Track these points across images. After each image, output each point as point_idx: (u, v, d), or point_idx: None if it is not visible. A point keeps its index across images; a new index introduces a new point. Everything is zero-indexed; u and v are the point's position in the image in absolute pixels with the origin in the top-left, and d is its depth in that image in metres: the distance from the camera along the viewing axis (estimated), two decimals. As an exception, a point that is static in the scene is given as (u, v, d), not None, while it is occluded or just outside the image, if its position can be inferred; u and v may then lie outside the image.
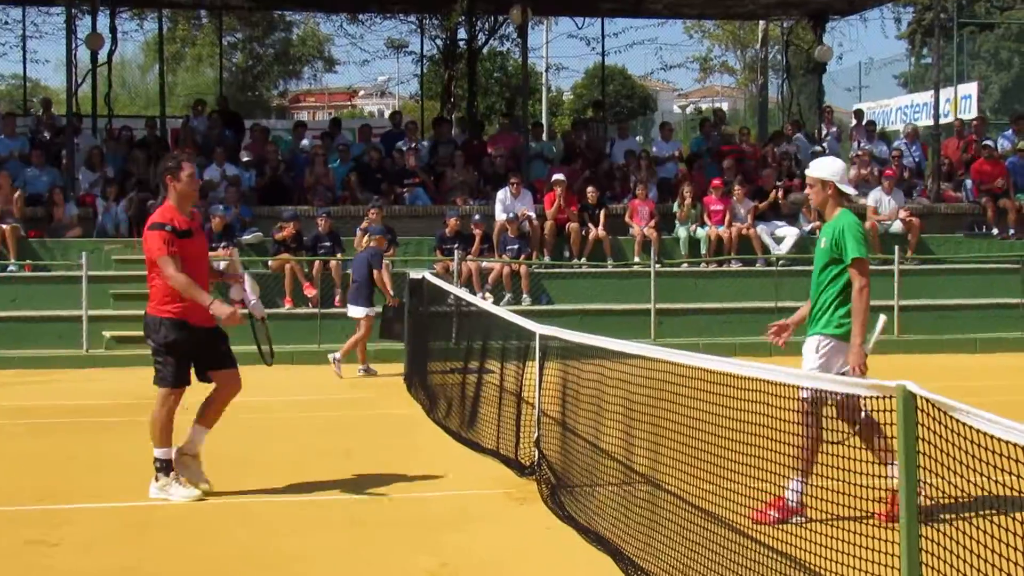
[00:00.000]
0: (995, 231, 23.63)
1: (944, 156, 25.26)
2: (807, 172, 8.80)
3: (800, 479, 7.61)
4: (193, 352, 8.95)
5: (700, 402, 6.83)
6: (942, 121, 25.98)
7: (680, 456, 7.00)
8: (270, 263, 20.28)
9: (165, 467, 8.97)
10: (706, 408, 6.75)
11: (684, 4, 28.95)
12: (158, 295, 8.87)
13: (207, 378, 9.17)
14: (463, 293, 14.00)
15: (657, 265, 20.67)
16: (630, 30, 34.00)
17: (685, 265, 21.92)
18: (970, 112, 32.89)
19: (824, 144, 26.23)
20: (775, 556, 6.32)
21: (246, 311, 9.54)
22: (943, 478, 4.77)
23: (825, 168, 8.65)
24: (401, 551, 7.53)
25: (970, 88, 35.65)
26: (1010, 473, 4.33)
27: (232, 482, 9.76)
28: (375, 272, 17.04)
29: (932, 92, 26.43)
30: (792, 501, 7.67)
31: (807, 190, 8.89)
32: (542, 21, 37.39)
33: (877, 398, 5.07)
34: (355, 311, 17.20)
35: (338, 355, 17.11)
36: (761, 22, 33.37)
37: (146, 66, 62.20)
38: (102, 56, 26.61)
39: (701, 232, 21.97)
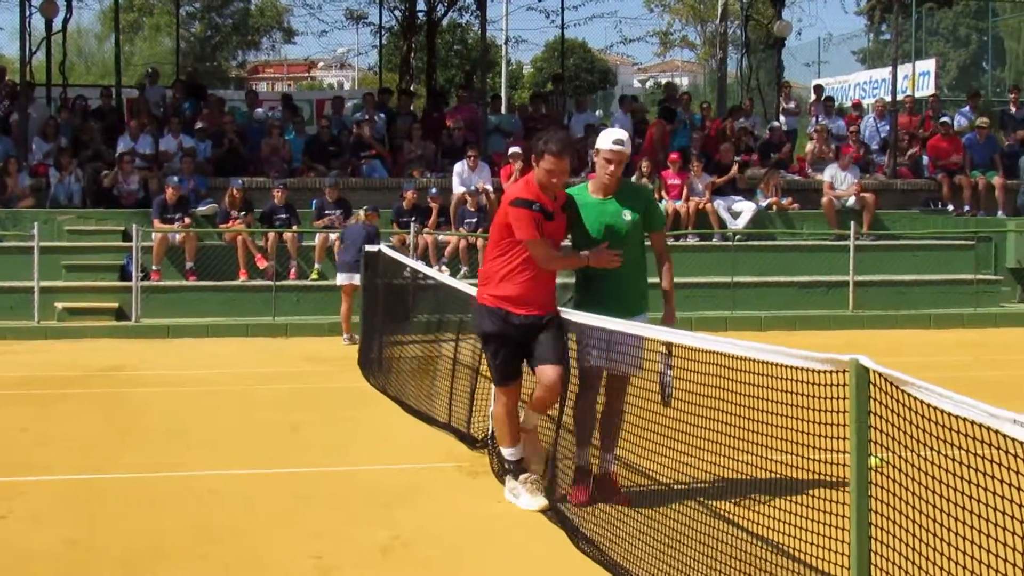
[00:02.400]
0: (950, 207, 23.77)
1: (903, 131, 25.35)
2: (620, 148, 7.81)
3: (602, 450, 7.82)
4: (517, 347, 7.84)
5: (655, 375, 6.82)
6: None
7: (633, 429, 6.98)
8: (224, 235, 20.16)
9: (513, 469, 7.99)
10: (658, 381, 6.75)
11: (644, -23, 28.91)
12: (482, 278, 8.01)
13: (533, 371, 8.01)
14: (419, 266, 13.92)
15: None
16: (590, 3, 34.19)
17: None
18: (927, 89, 33.03)
19: (781, 119, 26.32)
20: (728, 529, 6.32)
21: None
22: (895, 452, 4.76)
23: (628, 141, 8.00)
24: (351, 525, 7.48)
25: (928, 65, 35.79)
26: (961, 448, 4.33)
27: (181, 455, 9.69)
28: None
29: (890, 68, 26.50)
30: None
31: (614, 167, 7.80)
32: (502, -7, 37.32)
33: (831, 372, 5.06)
34: (353, 279, 16.96)
35: (345, 334, 17.24)
36: (721, -4, 33.39)
37: (103, 35, 61.79)
38: (57, 24, 26.37)
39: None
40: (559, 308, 7.82)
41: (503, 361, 7.88)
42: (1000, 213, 23.76)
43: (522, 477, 7.86)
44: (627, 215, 7.84)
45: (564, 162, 7.62)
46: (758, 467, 5.82)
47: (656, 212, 8.15)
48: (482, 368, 9.75)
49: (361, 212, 17.99)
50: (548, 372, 7.67)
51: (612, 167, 7.79)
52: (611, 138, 7.85)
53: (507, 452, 8.00)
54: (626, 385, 7.66)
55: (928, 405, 4.36)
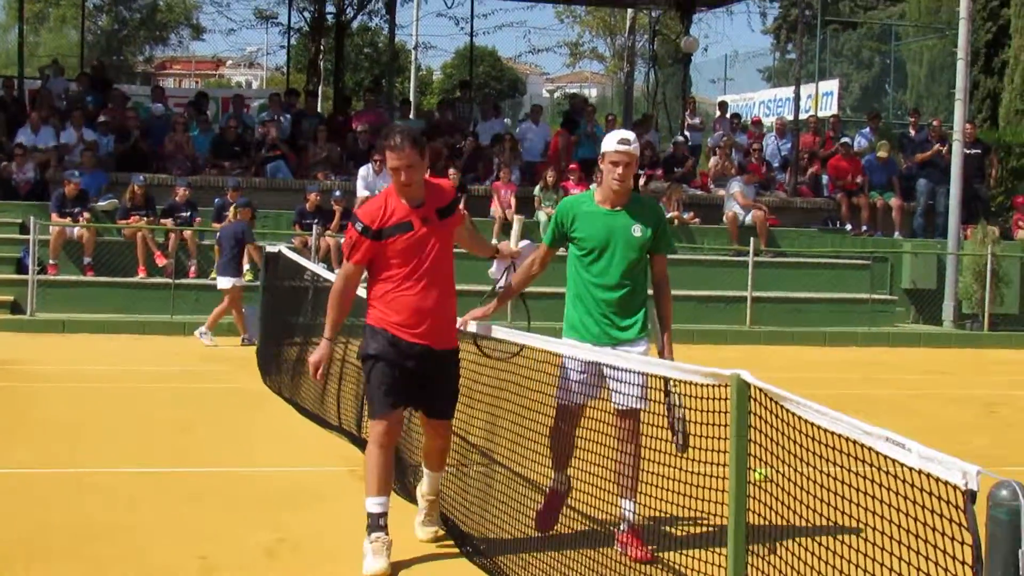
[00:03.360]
0: (848, 227, 24.16)
1: (804, 149, 25.71)
2: (627, 148, 7.01)
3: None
4: (403, 374, 6.70)
5: (542, 384, 6.87)
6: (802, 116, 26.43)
7: (515, 439, 7.00)
8: (124, 231, 19.95)
9: (371, 523, 6.64)
10: (545, 391, 6.80)
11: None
12: (368, 298, 6.89)
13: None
14: (319, 269, 13.86)
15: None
16: (500, 11, 34.36)
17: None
18: (831, 109, 33.50)
19: (686, 133, 26.58)
20: (605, 537, 6.38)
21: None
22: (774, 468, 4.83)
23: (635, 140, 7.20)
24: (238, 526, 7.43)
25: (831, 85, 36.27)
26: (835, 464, 4.42)
27: (68, 452, 9.57)
28: (248, 246, 17.13)
29: (794, 87, 26.86)
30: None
31: (622, 170, 7.01)
32: (412, -2, 37.32)
33: (713, 386, 5.13)
34: (223, 282, 17.17)
35: (204, 328, 17.13)
36: (630, 10, 33.62)
37: (7, 25, 60.87)
38: (-42, 13, 25.90)
39: (562, 216, 22.00)
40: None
41: (382, 390, 6.70)
42: (897, 234, 24.20)
43: (375, 536, 6.59)
44: (637, 230, 7.08)
45: (405, 152, 6.55)
46: (641, 480, 5.87)
47: (667, 233, 7.29)
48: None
49: (232, 209, 18.00)
50: (439, 427, 7.03)
51: (620, 169, 6.99)
52: (616, 138, 7.07)
53: (373, 502, 6.67)
54: (639, 423, 6.54)
55: (806, 421, 4.44)
